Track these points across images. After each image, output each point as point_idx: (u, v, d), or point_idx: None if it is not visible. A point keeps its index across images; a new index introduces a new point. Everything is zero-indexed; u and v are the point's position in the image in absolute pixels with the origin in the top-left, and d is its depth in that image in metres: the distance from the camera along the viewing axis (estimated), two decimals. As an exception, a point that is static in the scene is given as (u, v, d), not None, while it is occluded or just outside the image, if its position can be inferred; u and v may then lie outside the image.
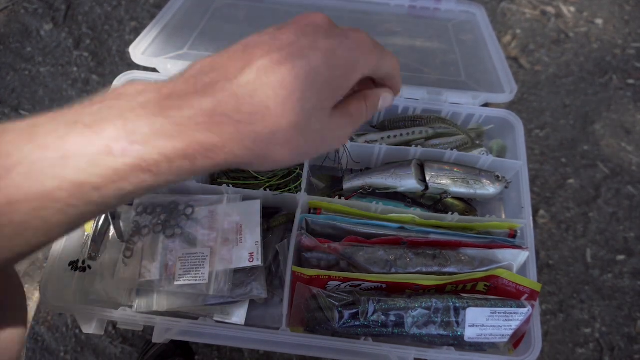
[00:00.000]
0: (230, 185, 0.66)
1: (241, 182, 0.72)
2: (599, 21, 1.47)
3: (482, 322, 0.54)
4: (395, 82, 0.37)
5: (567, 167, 1.22)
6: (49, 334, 0.98)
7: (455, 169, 0.69)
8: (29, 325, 0.99)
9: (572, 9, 1.50)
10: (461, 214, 0.67)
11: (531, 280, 0.58)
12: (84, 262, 0.64)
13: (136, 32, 1.40)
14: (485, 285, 0.59)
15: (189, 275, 0.60)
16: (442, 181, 0.68)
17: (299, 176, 0.71)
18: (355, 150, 0.72)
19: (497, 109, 0.77)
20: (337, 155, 0.67)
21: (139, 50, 0.77)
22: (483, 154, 0.72)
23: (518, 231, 0.64)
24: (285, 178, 0.73)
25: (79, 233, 0.67)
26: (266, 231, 0.68)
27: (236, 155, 0.27)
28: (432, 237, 0.61)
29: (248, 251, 0.62)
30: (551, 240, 1.13)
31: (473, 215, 0.69)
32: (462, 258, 0.59)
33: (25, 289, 1.08)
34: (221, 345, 0.96)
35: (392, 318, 0.54)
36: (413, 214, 0.64)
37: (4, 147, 0.23)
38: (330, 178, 0.76)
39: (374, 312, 0.54)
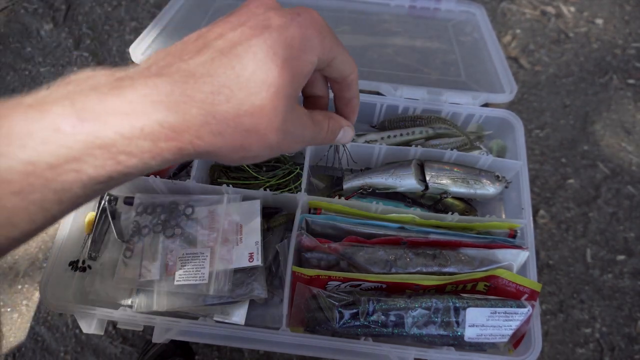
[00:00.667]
0: (230, 185, 0.66)
1: (241, 182, 0.72)
2: (599, 21, 1.47)
3: (482, 322, 0.54)
4: (352, 92, 0.37)
5: (567, 167, 1.22)
6: (49, 334, 0.98)
7: (455, 169, 0.69)
8: (28, 325, 0.99)
9: (572, 9, 1.50)
10: (461, 214, 0.67)
11: (531, 280, 0.58)
12: (84, 262, 0.65)
13: (136, 32, 1.40)
14: (485, 285, 0.59)
15: (189, 275, 0.60)
16: (442, 181, 0.68)
17: (299, 176, 0.71)
18: (355, 150, 0.72)
19: (497, 109, 0.77)
20: (336, 154, 0.67)
21: (139, 50, 0.77)
22: (483, 154, 0.72)
23: (518, 231, 0.64)
24: (285, 178, 0.73)
25: (79, 233, 0.67)
26: (266, 231, 0.68)
27: (203, 139, 0.26)
28: (432, 237, 0.61)
29: (248, 251, 0.62)
30: (551, 240, 1.13)
31: (473, 215, 0.69)
32: (462, 258, 0.59)
33: (25, 289, 1.08)
34: (221, 345, 0.96)
35: (392, 318, 0.54)
36: (413, 214, 0.64)
37: None
38: (330, 178, 0.76)
39: (374, 312, 0.54)
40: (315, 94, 0.37)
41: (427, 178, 0.68)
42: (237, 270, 0.62)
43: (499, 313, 0.54)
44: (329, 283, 0.58)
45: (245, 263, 0.61)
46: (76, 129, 0.23)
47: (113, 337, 0.98)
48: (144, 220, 0.64)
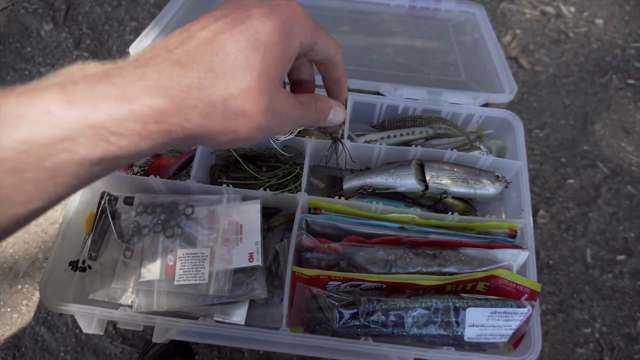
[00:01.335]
0: (230, 185, 0.66)
1: (241, 182, 0.72)
2: (599, 21, 1.47)
3: (482, 322, 0.54)
4: (339, 72, 0.39)
5: (567, 167, 1.22)
6: (49, 334, 0.98)
7: (455, 169, 0.69)
8: (28, 325, 0.99)
9: (572, 9, 1.50)
10: (461, 214, 0.67)
11: (531, 280, 0.58)
12: (84, 262, 0.65)
13: (136, 32, 1.40)
14: (485, 285, 0.59)
15: (189, 275, 0.60)
16: (442, 181, 0.68)
17: (299, 176, 0.71)
18: (355, 150, 0.72)
19: (497, 109, 0.77)
20: (332, 149, 0.68)
21: (139, 50, 0.77)
22: (483, 154, 0.72)
23: (518, 231, 0.64)
24: (285, 178, 0.73)
25: (79, 233, 0.67)
26: (266, 231, 0.68)
27: (192, 122, 0.27)
28: (432, 237, 0.61)
29: (248, 251, 0.62)
30: (551, 240, 1.13)
31: (473, 215, 0.69)
32: (462, 258, 0.59)
33: (25, 289, 1.08)
34: (221, 345, 0.96)
35: (392, 318, 0.54)
36: (413, 214, 0.64)
37: None
38: (330, 178, 0.76)
39: (374, 312, 0.54)
40: (302, 78, 0.39)
41: (427, 178, 0.68)
42: (237, 270, 0.62)
43: (498, 313, 0.54)
44: (329, 283, 0.58)
45: (245, 263, 0.61)
46: (66, 112, 0.24)
47: (113, 337, 0.98)
48: (144, 220, 0.64)
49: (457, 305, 0.54)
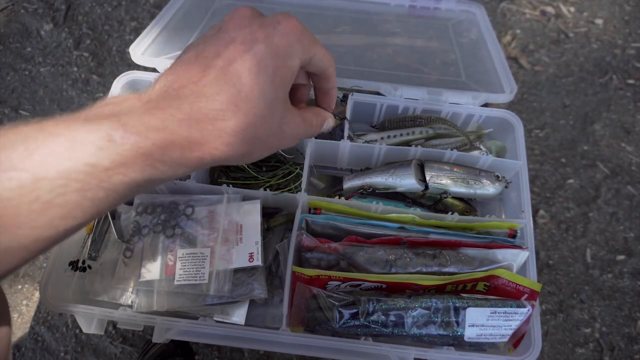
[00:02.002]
0: (230, 185, 0.66)
1: (241, 182, 0.72)
2: (599, 21, 1.47)
3: (482, 322, 0.54)
4: (331, 84, 0.43)
5: (566, 167, 1.23)
6: (49, 334, 0.98)
7: (455, 169, 0.69)
8: (28, 325, 0.99)
9: (572, 9, 1.50)
10: (461, 214, 0.67)
11: (531, 280, 0.58)
12: (84, 262, 0.64)
13: (136, 32, 1.41)
14: (485, 285, 0.59)
15: (189, 275, 0.60)
16: (442, 181, 0.68)
17: (299, 176, 0.71)
18: (355, 150, 0.72)
19: (497, 109, 0.77)
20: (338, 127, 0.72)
21: (139, 50, 0.77)
22: (483, 154, 0.72)
23: (518, 231, 0.64)
24: (285, 178, 0.73)
25: (79, 233, 0.67)
26: (266, 231, 0.68)
27: (219, 150, 0.31)
28: (432, 237, 0.61)
29: (248, 251, 0.62)
30: (551, 240, 1.13)
31: (473, 215, 0.69)
32: (462, 258, 0.59)
33: (25, 289, 1.08)
34: (221, 345, 0.96)
35: (392, 318, 0.54)
36: (413, 214, 0.64)
37: (18, 136, 0.26)
38: (330, 178, 0.76)
39: (374, 312, 0.54)
40: (298, 82, 0.42)
41: (427, 178, 0.68)
42: (237, 270, 0.62)
43: (498, 313, 0.54)
44: (329, 283, 0.58)
45: (245, 263, 0.61)
46: (124, 140, 0.27)
47: (113, 337, 0.98)
48: (144, 220, 0.64)
49: (457, 305, 0.54)
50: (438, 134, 0.76)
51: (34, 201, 0.25)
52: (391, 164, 0.71)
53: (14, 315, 1.00)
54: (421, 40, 0.93)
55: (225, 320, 0.61)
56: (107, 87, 1.29)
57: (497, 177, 0.69)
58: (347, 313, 0.54)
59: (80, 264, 0.64)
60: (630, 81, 1.36)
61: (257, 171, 0.73)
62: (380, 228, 0.62)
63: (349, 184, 0.71)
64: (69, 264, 0.64)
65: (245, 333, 0.56)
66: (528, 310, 0.55)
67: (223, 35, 0.33)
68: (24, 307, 1.01)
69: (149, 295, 0.61)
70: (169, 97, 0.30)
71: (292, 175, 0.72)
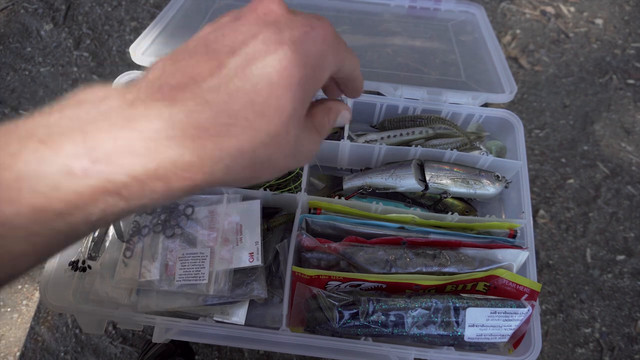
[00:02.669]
0: (230, 185, 0.66)
1: (241, 182, 0.72)
2: (599, 21, 1.47)
3: (482, 322, 0.54)
4: (358, 84, 0.35)
5: (567, 167, 1.23)
6: (49, 334, 0.98)
7: (455, 169, 0.69)
8: (28, 325, 0.99)
9: (572, 9, 1.50)
10: (461, 214, 0.67)
11: (531, 280, 0.58)
12: (84, 262, 0.64)
13: (136, 32, 1.41)
14: (485, 285, 0.59)
15: (189, 275, 0.60)
16: (442, 181, 0.68)
17: (299, 176, 0.71)
18: (355, 150, 0.72)
19: (497, 109, 0.77)
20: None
21: (139, 50, 0.77)
22: (483, 154, 0.72)
23: (518, 231, 0.64)
24: (285, 178, 0.73)
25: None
26: (266, 231, 0.68)
27: (215, 176, 0.24)
28: (432, 237, 0.61)
29: (248, 251, 0.62)
30: (551, 240, 1.13)
31: (473, 215, 0.69)
32: (462, 258, 0.59)
33: (25, 289, 1.08)
34: (221, 345, 0.96)
35: (392, 318, 0.54)
36: (413, 214, 0.64)
37: None
38: (330, 178, 0.76)
39: (374, 312, 0.54)
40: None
41: (427, 178, 0.68)
42: (237, 270, 0.62)
43: (498, 313, 0.54)
44: (329, 283, 0.58)
45: (245, 263, 0.61)
46: (88, 173, 0.21)
47: (113, 337, 0.98)
48: (144, 220, 0.64)
49: (457, 305, 0.54)
50: (438, 134, 0.76)
51: None
52: (391, 164, 0.71)
53: (14, 315, 1.00)
54: (421, 40, 0.93)
55: (225, 320, 0.61)
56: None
57: (497, 177, 0.69)
58: (347, 313, 0.54)
59: (80, 264, 0.64)
60: (630, 81, 1.36)
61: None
62: (380, 228, 0.62)
63: (349, 184, 0.71)
64: (69, 264, 0.64)
65: (245, 333, 0.56)
66: (528, 310, 0.55)
67: (242, 28, 0.26)
68: (24, 307, 1.01)
69: (149, 295, 0.61)
70: (162, 97, 0.24)
71: (292, 175, 0.72)
